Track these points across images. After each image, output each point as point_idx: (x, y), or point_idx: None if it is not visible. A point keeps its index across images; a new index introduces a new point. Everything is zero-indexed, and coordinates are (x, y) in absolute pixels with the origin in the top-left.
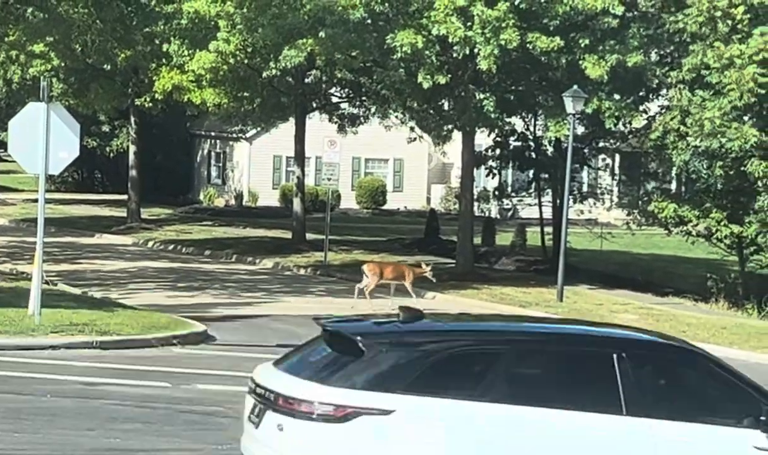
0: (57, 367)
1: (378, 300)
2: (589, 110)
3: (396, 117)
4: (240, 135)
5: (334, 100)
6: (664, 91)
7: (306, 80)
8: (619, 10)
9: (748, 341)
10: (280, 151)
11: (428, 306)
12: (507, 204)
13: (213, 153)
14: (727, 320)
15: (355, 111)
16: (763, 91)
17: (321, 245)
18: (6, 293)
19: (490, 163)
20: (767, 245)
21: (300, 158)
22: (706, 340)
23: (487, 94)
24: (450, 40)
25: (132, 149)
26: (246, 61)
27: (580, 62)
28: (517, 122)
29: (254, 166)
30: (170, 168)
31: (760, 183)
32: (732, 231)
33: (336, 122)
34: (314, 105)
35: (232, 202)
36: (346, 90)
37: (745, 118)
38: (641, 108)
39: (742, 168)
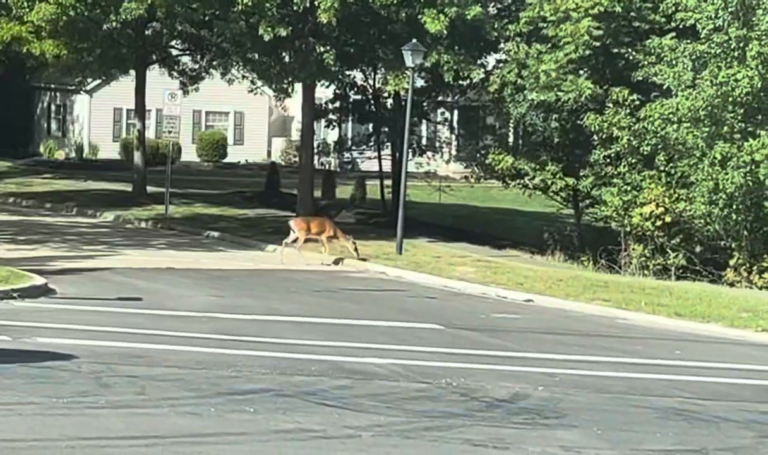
0: None
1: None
2: (428, 64)
3: (237, 70)
4: (80, 87)
5: (175, 53)
6: (502, 45)
7: (146, 33)
8: None
9: (583, 293)
10: (120, 104)
11: (268, 259)
12: (347, 157)
13: (53, 105)
14: (563, 272)
15: (196, 66)
16: (598, 44)
17: (162, 198)
18: None
19: (331, 116)
20: (602, 198)
21: (141, 111)
22: (542, 292)
23: (328, 48)
24: None
25: None
26: (86, 12)
27: (420, 16)
28: (358, 76)
29: (95, 119)
30: (9, 121)
31: (595, 137)
32: (567, 184)
33: (177, 78)
34: (154, 58)
35: (73, 155)
36: (187, 43)
37: (581, 72)
38: (479, 62)
39: (578, 121)
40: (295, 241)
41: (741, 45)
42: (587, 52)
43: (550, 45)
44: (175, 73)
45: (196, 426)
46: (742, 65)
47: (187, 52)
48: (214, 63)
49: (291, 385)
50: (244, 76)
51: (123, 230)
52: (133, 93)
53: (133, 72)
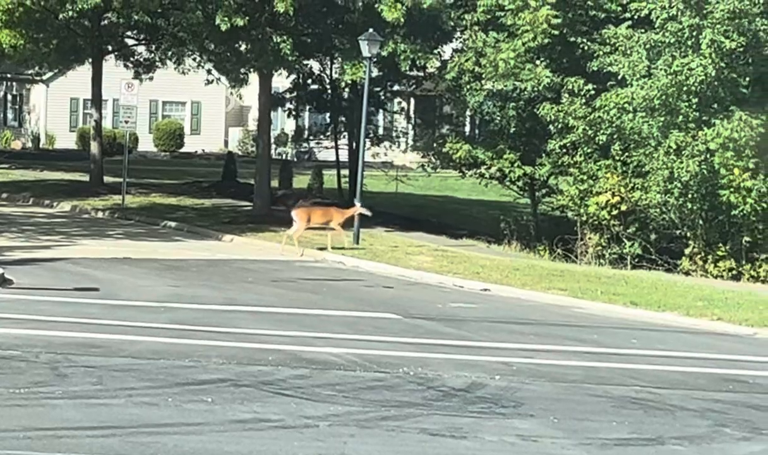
0: None
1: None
2: (384, 53)
3: (193, 60)
4: (36, 77)
5: (131, 42)
6: (458, 35)
7: (103, 23)
8: None
9: (539, 282)
10: (77, 93)
11: (225, 249)
12: (304, 147)
13: (9, 95)
14: (520, 261)
15: (152, 56)
16: (556, 33)
17: (119, 188)
18: None
19: (288, 106)
20: (558, 187)
21: (97, 100)
22: (499, 281)
23: (285, 37)
24: None
25: None
26: (42, 2)
27: (377, 5)
28: (315, 65)
29: (51, 108)
30: None
31: (551, 126)
32: (525, 172)
33: (132, 68)
34: (110, 48)
35: (29, 145)
36: (143, 33)
37: (539, 61)
38: (436, 51)
39: (535, 111)
40: (307, 229)
41: (695, 34)
42: (545, 40)
43: (507, 34)
44: (130, 64)
45: (153, 416)
46: (696, 54)
47: (143, 42)
48: (170, 53)
49: (248, 375)
50: (200, 66)
51: (80, 220)
52: (90, 83)
53: (89, 62)
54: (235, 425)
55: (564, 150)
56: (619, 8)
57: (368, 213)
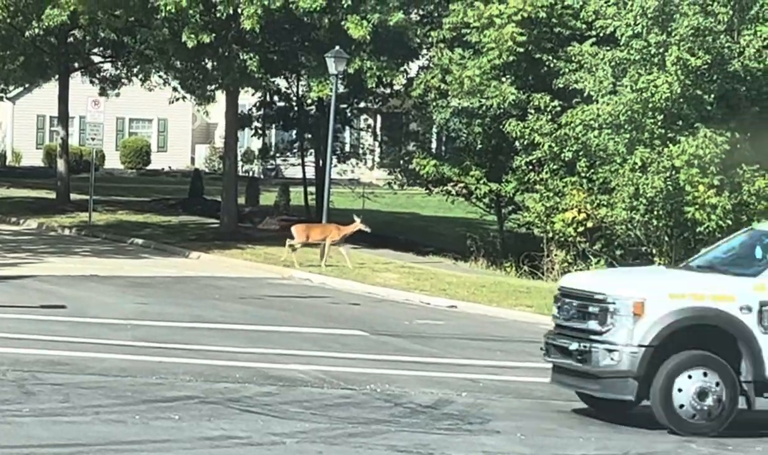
0: None
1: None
2: (351, 70)
3: (159, 77)
4: (2, 94)
5: (97, 59)
6: (424, 52)
7: (69, 40)
8: None
9: (506, 298)
10: (44, 111)
11: (192, 266)
12: (271, 164)
13: None
14: (486, 278)
15: (118, 72)
16: (521, 50)
17: (86, 206)
18: None
19: (255, 123)
20: (524, 204)
21: (64, 118)
22: (465, 298)
23: (251, 54)
24: None
25: None
26: (9, 19)
27: (343, 23)
28: (281, 82)
29: (17, 126)
30: None
31: (517, 143)
32: (491, 189)
33: (98, 84)
34: (77, 65)
35: None
36: (109, 50)
37: (504, 78)
38: (402, 68)
39: (501, 127)
40: (305, 245)
41: (660, 51)
42: (511, 58)
43: (473, 51)
44: (96, 80)
45: (120, 433)
46: (661, 71)
47: (110, 59)
48: (136, 70)
49: (215, 392)
50: (166, 83)
51: (47, 238)
52: (56, 100)
53: (56, 79)
54: (202, 442)
55: (530, 167)
56: (584, 26)
57: (367, 230)
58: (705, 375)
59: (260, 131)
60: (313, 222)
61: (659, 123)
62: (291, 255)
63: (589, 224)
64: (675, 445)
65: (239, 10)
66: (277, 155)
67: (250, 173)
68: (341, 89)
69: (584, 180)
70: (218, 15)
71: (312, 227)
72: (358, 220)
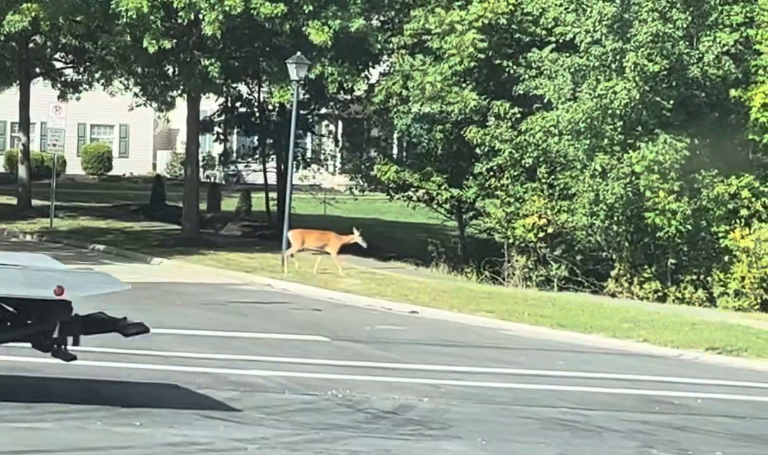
0: None
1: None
2: (312, 76)
3: (121, 83)
4: None
5: (58, 65)
6: (385, 58)
7: (30, 45)
8: None
9: (467, 304)
10: (4, 116)
11: (154, 272)
12: (232, 170)
13: None
14: (448, 284)
15: (79, 77)
16: (482, 57)
17: (47, 212)
18: None
19: (216, 129)
20: (485, 209)
21: (25, 124)
22: (427, 303)
23: (213, 60)
24: (175, 5)
25: None
26: None
27: (304, 28)
28: (243, 88)
29: None
30: None
31: (478, 149)
32: (452, 195)
33: (60, 89)
34: (38, 71)
35: None
36: (71, 56)
37: (465, 84)
38: (363, 74)
39: (462, 133)
40: (300, 250)
41: (618, 57)
42: (472, 64)
43: (434, 57)
44: (58, 85)
45: (82, 439)
46: (620, 78)
47: (71, 64)
48: (97, 76)
49: None
50: (127, 88)
51: (8, 244)
52: (18, 106)
53: (17, 85)
54: (164, 448)
55: (491, 173)
56: (544, 32)
57: (364, 245)
58: None
59: (222, 137)
60: (307, 228)
61: (619, 129)
62: (289, 262)
63: (550, 230)
64: (636, 451)
65: (200, 16)
66: (239, 160)
67: (212, 179)
68: (303, 95)
69: (545, 186)
70: (179, 21)
71: (309, 233)
72: (357, 233)
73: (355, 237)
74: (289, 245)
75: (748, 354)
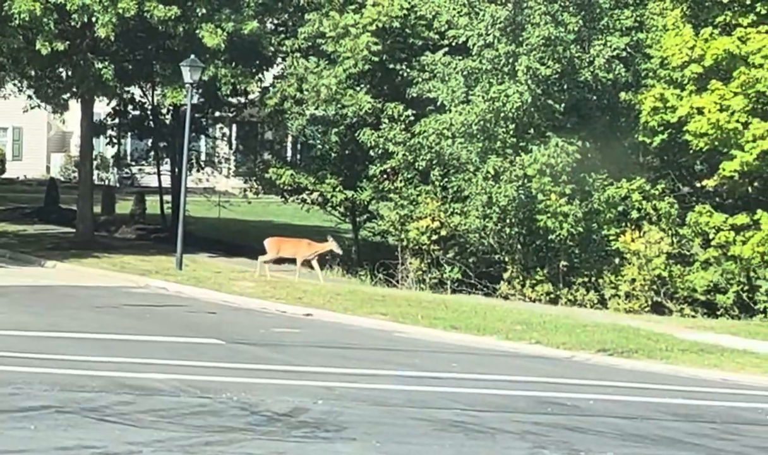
0: None
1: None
2: (205, 78)
3: (14, 85)
4: None
5: None
6: (279, 61)
7: None
8: None
9: (361, 307)
10: None
11: (48, 276)
12: (126, 172)
13: None
14: (342, 286)
15: None
16: (376, 60)
17: None
18: None
19: (110, 132)
20: (379, 212)
21: None
22: (321, 306)
23: (106, 63)
24: (68, 7)
25: None
26: None
27: (197, 31)
28: (136, 91)
29: None
30: None
31: (372, 152)
32: (346, 197)
33: None
34: None
35: None
36: None
37: (360, 86)
38: (257, 77)
39: (356, 136)
40: (275, 260)
41: (511, 61)
42: (366, 67)
43: (329, 60)
44: None
45: None
46: (512, 81)
47: None
48: None
49: (72, 401)
50: (20, 91)
51: None
52: None
53: None
54: (58, 452)
55: (385, 175)
56: (437, 36)
57: (339, 252)
58: None
59: (115, 140)
60: (285, 236)
61: (511, 132)
62: (264, 270)
63: (443, 233)
64: (528, 452)
65: (94, 19)
66: (132, 163)
67: (106, 182)
68: (196, 98)
69: (438, 189)
70: (73, 23)
71: (284, 241)
72: (332, 240)
73: (330, 245)
74: (264, 252)
75: (638, 355)
